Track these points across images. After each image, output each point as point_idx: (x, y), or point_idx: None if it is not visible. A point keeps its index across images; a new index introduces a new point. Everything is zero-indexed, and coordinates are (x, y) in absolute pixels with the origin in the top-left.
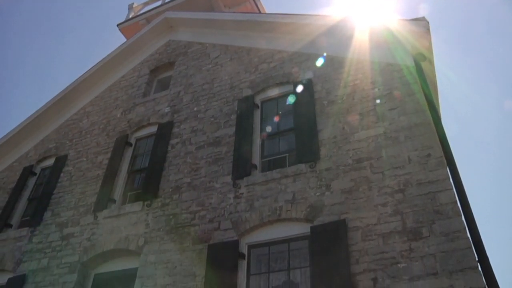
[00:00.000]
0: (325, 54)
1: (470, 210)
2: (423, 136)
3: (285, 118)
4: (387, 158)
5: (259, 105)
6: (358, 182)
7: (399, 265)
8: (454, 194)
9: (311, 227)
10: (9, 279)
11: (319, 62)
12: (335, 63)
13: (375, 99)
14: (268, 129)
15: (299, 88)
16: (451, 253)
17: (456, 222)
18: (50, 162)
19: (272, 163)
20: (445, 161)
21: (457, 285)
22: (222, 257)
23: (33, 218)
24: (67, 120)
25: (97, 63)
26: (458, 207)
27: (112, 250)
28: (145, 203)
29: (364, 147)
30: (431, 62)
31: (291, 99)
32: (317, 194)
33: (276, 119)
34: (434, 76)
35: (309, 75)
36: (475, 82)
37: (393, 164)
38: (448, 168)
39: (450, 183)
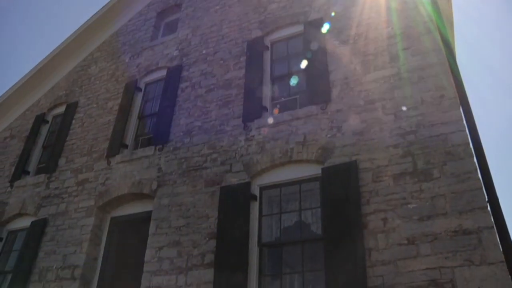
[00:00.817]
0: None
1: (483, 151)
2: (437, 76)
3: (295, 59)
4: (400, 99)
5: (269, 46)
6: (370, 124)
7: (409, 205)
8: (467, 135)
9: (322, 169)
10: (32, 222)
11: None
12: (347, 1)
13: (388, 38)
14: (278, 70)
15: (310, 28)
16: (461, 193)
17: (468, 163)
18: (61, 109)
19: (282, 105)
20: (458, 102)
21: (466, 224)
22: (234, 199)
23: (49, 165)
24: (76, 67)
25: (103, 7)
26: (470, 148)
27: (126, 194)
28: (157, 147)
29: (376, 88)
30: None
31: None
32: (328, 135)
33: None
34: (451, 13)
35: (320, 14)
36: (496, 19)
37: (406, 105)
38: (461, 109)
39: (463, 124)
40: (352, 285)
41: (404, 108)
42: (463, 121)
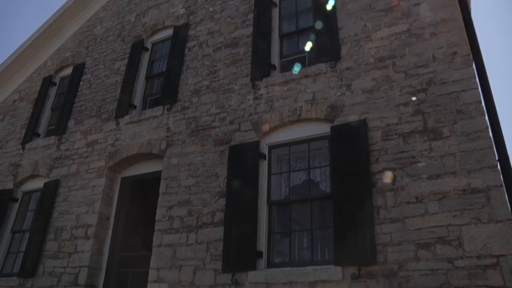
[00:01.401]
0: None
1: (495, 109)
2: (450, 32)
3: (304, 16)
4: (411, 57)
5: (277, 2)
6: (380, 82)
7: (418, 164)
8: (479, 93)
9: (331, 127)
10: (45, 183)
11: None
12: None
13: None
14: (287, 27)
15: None
16: (471, 152)
17: (479, 122)
18: (68, 71)
19: (291, 63)
20: (472, 58)
21: (474, 183)
22: (243, 158)
23: (58, 127)
24: (81, 27)
25: None
26: (482, 106)
27: (136, 155)
28: (165, 107)
29: (386, 45)
30: None
31: None
32: (338, 94)
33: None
34: None
35: None
36: None
37: (417, 63)
38: (474, 67)
39: (476, 82)
40: (360, 243)
41: (413, 98)
42: (475, 78)
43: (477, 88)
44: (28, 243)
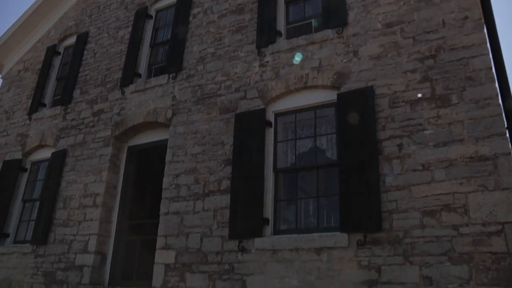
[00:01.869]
0: None
1: (506, 76)
2: None
3: None
4: (420, 22)
5: None
6: (387, 48)
7: (425, 131)
8: (490, 59)
9: (338, 94)
10: (52, 153)
11: None
12: None
13: None
14: None
15: None
16: (479, 120)
17: (489, 88)
18: (72, 40)
19: (297, 30)
20: (483, 23)
21: (482, 151)
22: (250, 126)
23: (64, 97)
24: None
25: None
26: (492, 73)
27: (142, 123)
28: (170, 75)
29: (395, 10)
30: None
31: None
32: (344, 60)
33: None
34: None
35: None
36: None
37: (426, 28)
38: (486, 32)
39: (487, 47)
40: (366, 210)
41: (418, 95)
42: (486, 44)
43: (488, 54)
44: (39, 212)
